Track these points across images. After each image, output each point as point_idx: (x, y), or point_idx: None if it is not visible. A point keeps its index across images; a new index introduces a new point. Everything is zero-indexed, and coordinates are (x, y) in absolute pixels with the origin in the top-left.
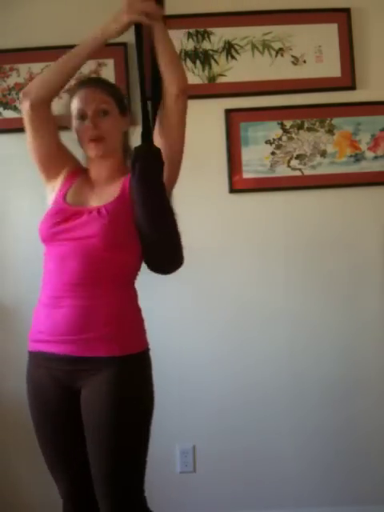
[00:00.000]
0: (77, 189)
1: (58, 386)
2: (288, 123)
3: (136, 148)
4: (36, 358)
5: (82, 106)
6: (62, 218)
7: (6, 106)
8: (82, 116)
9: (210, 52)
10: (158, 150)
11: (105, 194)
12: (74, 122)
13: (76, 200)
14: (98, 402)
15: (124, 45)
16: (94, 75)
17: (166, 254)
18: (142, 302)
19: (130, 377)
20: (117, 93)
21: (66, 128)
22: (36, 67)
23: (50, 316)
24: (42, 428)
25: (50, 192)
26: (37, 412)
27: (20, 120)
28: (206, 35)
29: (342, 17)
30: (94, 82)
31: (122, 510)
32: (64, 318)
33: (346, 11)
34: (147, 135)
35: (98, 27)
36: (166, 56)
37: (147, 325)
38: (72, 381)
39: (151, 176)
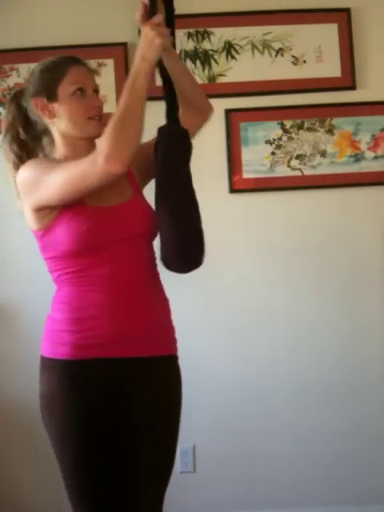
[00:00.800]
0: None
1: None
2: (288, 123)
3: (162, 127)
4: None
5: (81, 83)
6: (99, 222)
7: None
8: (80, 90)
9: (210, 52)
10: (187, 131)
11: (115, 186)
12: (72, 100)
13: (96, 200)
14: (167, 407)
15: (124, 45)
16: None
17: (185, 250)
18: None
19: (179, 377)
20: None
21: None
22: None
23: (107, 319)
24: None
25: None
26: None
27: None
28: (205, 35)
29: (342, 17)
30: (82, 62)
31: None
32: (132, 318)
33: (346, 11)
34: (174, 115)
35: (138, 65)
36: (190, 77)
37: None
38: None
39: (181, 160)
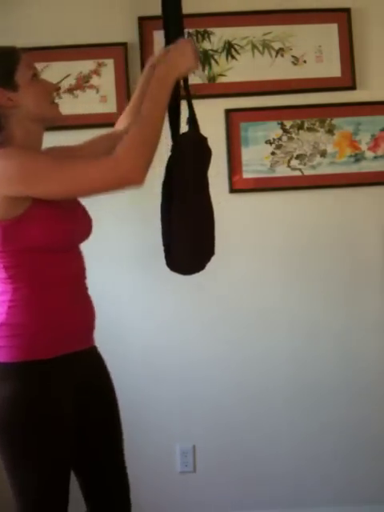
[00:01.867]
0: None
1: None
2: (288, 123)
3: (184, 134)
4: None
5: (34, 69)
6: (73, 223)
7: None
8: (35, 75)
9: (210, 52)
10: (205, 138)
11: None
12: (32, 85)
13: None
14: (107, 393)
15: (124, 45)
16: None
17: (198, 254)
18: (140, 303)
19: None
20: None
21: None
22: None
23: (75, 314)
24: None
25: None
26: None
27: None
28: (205, 35)
29: (342, 17)
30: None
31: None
32: (87, 313)
33: (346, 11)
34: (194, 122)
35: (169, 73)
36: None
37: (146, 325)
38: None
39: (205, 166)
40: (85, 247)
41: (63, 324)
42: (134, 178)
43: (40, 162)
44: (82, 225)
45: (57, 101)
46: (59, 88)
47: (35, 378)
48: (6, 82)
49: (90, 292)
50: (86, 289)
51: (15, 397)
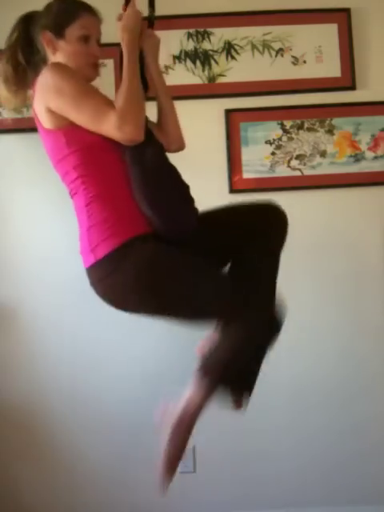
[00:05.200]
0: None
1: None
2: (288, 123)
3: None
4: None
5: (88, 31)
6: None
7: None
8: (86, 37)
9: (210, 52)
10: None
11: None
12: (76, 43)
13: None
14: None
15: None
16: None
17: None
18: None
19: None
20: None
21: None
22: None
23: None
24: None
25: None
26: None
27: (20, 120)
28: (205, 35)
29: (342, 17)
30: (96, 12)
31: None
32: None
33: (346, 11)
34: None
35: (126, 40)
36: (171, 103)
37: (147, 327)
38: None
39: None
40: None
41: (134, 209)
42: (138, 136)
43: (74, 86)
44: None
45: (93, 63)
46: (99, 55)
47: (143, 242)
48: (55, 28)
49: (90, 292)
50: None
51: (139, 261)
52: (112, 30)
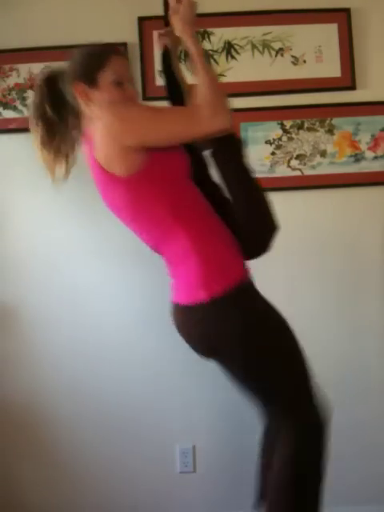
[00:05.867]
0: None
1: None
2: (288, 123)
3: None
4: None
5: (121, 74)
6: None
7: (6, 106)
8: (119, 83)
9: (210, 52)
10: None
11: None
12: (112, 89)
13: None
14: None
15: (124, 45)
16: None
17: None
18: (144, 304)
19: None
20: None
21: None
22: (36, 67)
23: (233, 242)
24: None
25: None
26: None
27: (20, 120)
28: (205, 35)
29: (342, 17)
30: (121, 52)
31: None
32: None
33: (346, 11)
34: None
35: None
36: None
37: (150, 326)
38: None
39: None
40: (86, 248)
41: (232, 245)
42: (228, 126)
43: (140, 113)
44: None
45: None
46: (136, 96)
47: (250, 295)
48: (86, 77)
49: (91, 292)
50: None
51: (244, 316)
52: (111, 30)
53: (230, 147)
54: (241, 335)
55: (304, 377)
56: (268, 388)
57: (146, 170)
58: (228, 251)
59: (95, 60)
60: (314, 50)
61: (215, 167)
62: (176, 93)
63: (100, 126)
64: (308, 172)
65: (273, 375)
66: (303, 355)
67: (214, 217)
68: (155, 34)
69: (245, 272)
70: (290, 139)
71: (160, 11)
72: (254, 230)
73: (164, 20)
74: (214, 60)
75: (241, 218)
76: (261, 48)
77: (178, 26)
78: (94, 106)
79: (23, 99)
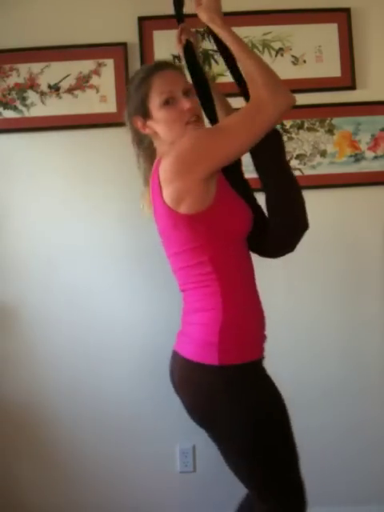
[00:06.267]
0: None
1: None
2: (288, 123)
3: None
4: (260, 364)
5: (168, 92)
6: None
7: (6, 105)
8: (168, 100)
9: (210, 52)
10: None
11: None
12: (163, 111)
13: None
14: None
15: (124, 45)
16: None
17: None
18: (141, 302)
19: None
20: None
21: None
22: (36, 67)
23: (262, 317)
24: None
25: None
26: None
27: (20, 120)
28: (206, 35)
29: (342, 17)
30: (167, 64)
31: None
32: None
33: (346, 11)
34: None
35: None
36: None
37: (150, 327)
38: None
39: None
40: (85, 248)
41: (261, 320)
42: (292, 102)
43: (200, 139)
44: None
45: (191, 119)
46: (193, 106)
47: (261, 375)
48: (139, 110)
49: (91, 292)
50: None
51: (255, 401)
52: (111, 30)
53: (272, 137)
54: (246, 425)
55: (293, 466)
56: (255, 475)
57: (206, 214)
58: (255, 323)
59: (139, 89)
60: (313, 50)
61: (256, 158)
62: (204, 87)
63: (163, 165)
64: (308, 172)
65: (266, 467)
66: (294, 441)
67: (253, 284)
68: (155, 33)
69: (262, 350)
70: (290, 139)
71: (160, 11)
72: (288, 224)
73: (177, 17)
74: (214, 60)
75: (277, 209)
76: (261, 48)
77: (204, 17)
78: (159, 139)
79: (23, 99)
